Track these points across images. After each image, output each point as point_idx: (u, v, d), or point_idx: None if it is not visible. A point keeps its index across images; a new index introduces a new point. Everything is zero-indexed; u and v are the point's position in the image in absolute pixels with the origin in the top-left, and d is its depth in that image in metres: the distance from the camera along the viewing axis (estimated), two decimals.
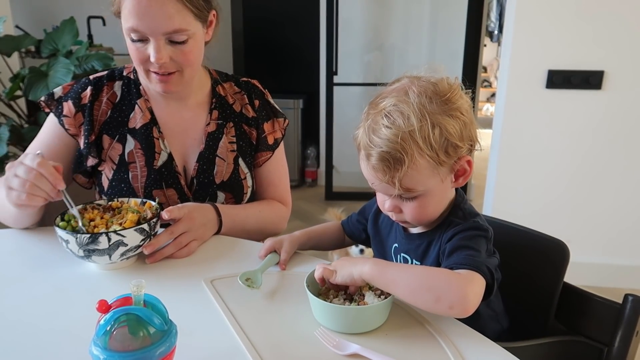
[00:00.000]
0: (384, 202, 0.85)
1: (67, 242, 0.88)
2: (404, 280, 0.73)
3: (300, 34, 3.98)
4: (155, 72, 1.03)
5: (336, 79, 3.49)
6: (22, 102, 2.44)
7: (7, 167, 0.90)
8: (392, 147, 0.75)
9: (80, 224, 0.91)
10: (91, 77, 1.15)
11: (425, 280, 0.72)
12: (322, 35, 3.58)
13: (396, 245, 0.93)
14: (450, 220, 0.84)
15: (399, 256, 0.92)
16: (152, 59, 1.00)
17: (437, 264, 0.84)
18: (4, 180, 0.91)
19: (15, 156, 2.33)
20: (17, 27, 3.05)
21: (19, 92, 2.23)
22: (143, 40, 1.00)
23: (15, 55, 2.47)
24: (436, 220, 0.87)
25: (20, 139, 2.28)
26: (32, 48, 3.01)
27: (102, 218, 0.94)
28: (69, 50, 2.41)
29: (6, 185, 0.90)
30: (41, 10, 3.97)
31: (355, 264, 0.75)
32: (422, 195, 0.80)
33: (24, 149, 2.35)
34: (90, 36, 3.76)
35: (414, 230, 0.91)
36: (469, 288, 0.70)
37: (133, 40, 1.00)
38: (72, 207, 0.92)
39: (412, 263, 0.89)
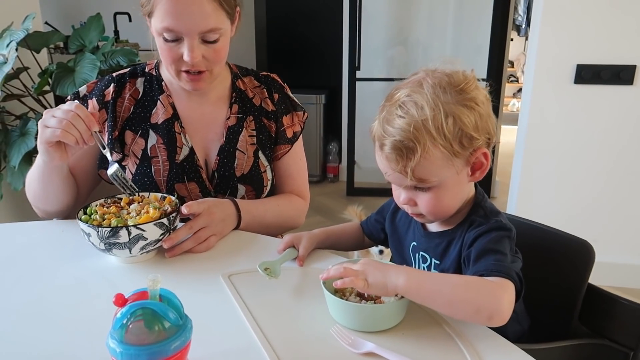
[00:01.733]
0: (400, 195, 0.84)
1: (89, 235, 0.90)
2: (442, 293, 0.71)
3: (323, 29, 3.97)
4: (186, 71, 1.05)
5: (359, 74, 3.47)
6: (50, 97, 2.49)
7: (45, 111, 0.95)
8: (405, 136, 0.75)
9: (108, 156, 0.98)
10: (114, 74, 1.17)
11: (463, 293, 0.70)
12: (345, 30, 3.56)
13: (414, 243, 0.92)
14: (473, 219, 0.83)
15: (417, 255, 0.91)
16: (186, 58, 1.01)
17: (458, 263, 0.82)
18: (40, 122, 0.94)
19: None
20: (46, 23, 3.13)
21: (47, 88, 2.28)
22: (176, 39, 1.01)
23: (44, 51, 2.52)
24: (456, 218, 0.86)
25: None
26: (61, 44, 3.08)
27: (119, 213, 0.95)
28: (95, 46, 2.44)
29: (42, 125, 0.93)
30: (69, 6, 4.05)
31: (387, 274, 0.71)
32: (436, 186, 0.79)
33: None
34: (116, 32, 3.82)
35: (434, 229, 0.89)
36: (504, 297, 0.70)
37: (166, 40, 1.02)
38: (104, 148, 0.98)
39: (431, 262, 0.88)
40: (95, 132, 0.95)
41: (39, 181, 1.07)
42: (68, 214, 1.14)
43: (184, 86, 1.10)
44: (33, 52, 2.34)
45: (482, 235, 0.79)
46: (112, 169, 0.98)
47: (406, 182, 0.79)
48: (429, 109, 0.74)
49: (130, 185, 1.00)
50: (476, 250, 0.77)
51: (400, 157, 0.76)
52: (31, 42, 2.29)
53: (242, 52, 4.06)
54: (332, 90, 3.97)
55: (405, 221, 0.96)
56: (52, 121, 0.93)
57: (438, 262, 0.87)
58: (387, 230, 1.00)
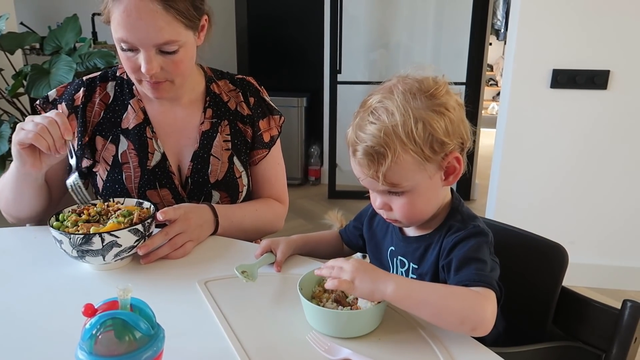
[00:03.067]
0: (375, 201, 0.85)
1: (60, 242, 0.88)
2: (429, 304, 0.72)
3: (305, 31, 3.97)
4: (147, 80, 1.03)
5: (340, 78, 3.48)
6: (25, 100, 2.45)
7: (28, 117, 0.95)
8: (376, 141, 0.76)
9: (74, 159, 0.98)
10: (84, 78, 1.15)
11: (449, 304, 0.72)
12: (326, 33, 3.57)
13: (392, 248, 0.92)
14: (450, 224, 0.83)
15: (395, 259, 0.92)
16: (143, 70, 0.99)
17: (436, 267, 0.83)
18: (18, 125, 0.94)
19: None
20: (21, 24, 3.06)
21: (21, 90, 2.24)
22: (133, 49, 0.99)
23: (19, 52, 2.48)
24: (433, 223, 0.86)
25: None
26: (36, 45, 3.02)
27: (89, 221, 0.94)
28: (72, 48, 2.41)
29: (19, 127, 0.93)
30: (46, 7, 3.98)
31: (376, 281, 0.72)
32: (409, 191, 0.80)
33: None
34: (94, 33, 3.76)
35: (411, 233, 0.90)
36: (488, 308, 0.71)
37: (123, 50, 1.00)
38: (72, 157, 0.97)
39: (409, 266, 0.88)
40: (69, 140, 0.94)
41: (11, 188, 1.04)
42: (40, 219, 1.11)
43: (147, 93, 1.08)
44: (7, 54, 2.30)
45: (462, 242, 0.79)
46: (71, 178, 0.96)
47: (379, 187, 0.80)
48: (399, 114, 0.75)
49: (86, 198, 0.97)
50: (457, 259, 0.78)
51: (372, 163, 0.77)
52: (5, 43, 2.25)
53: (223, 54, 4.04)
54: (313, 93, 3.97)
55: (382, 226, 0.96)
56: (29, 125, 0.92)
57: (416, 267, 0.87)
58: (365, 236, 1.00)
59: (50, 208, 1.10)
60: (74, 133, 1.08)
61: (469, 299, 0.72)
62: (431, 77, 0.80)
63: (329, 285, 0.73)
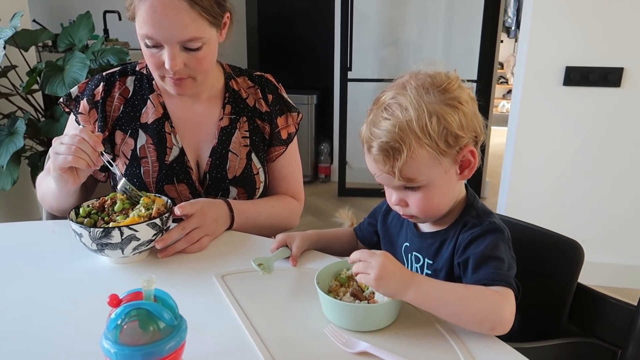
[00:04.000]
0: (391, 197, 0.85)
1: (80, 235, 0.89)
2: (448, 305, 0.73)
3: (315, 29, 3.97)
4: (169, 77, 1.04)
5: (350, 75, 3.48)
6: (38, 96, 2.47)
7: (54, 140, 0.96)
8: (391, 137, 0.76)
9: (117, 172, 1.02)
10: (104, 73, 1.16)
11: (468, 305, 0.72)
12: (336, 30, 3.57)
13: (407, 244, 0.93)
14: (466, 220, 0.84)
15: (410, 255, 0.92)
16: (167, 66, 1.00)
17: (451, 263, 0.84)
18: (51, 150, 0.96)
19: (32, 149, 2.37)
20: (34, 21, 3.09)
21: (35, 86, 2.26)
22: (157, 46, 1.00)
23: (33, 49, 2.50)
24: (449, 218, 0.86)
25: (37, 132, 2.31)
26: (49, 42, 3.05)
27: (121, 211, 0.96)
28: (84, 45, 2.43)
29: (53, 152, 0.95)
30: (58, 4, 4.01)
31: (399, 282, 0.72)
32: (425, 186, 0.80)
33: (40, 142, 2.39)
34: (106, 30, 3.79)
35: (426, 229, 0.90)
36: (507, 308, 0.72)
37: (147, 46, 1.01)
38: (111, 166, 1.00)
39: (424, 262, 0.89)
40: (101, 152, 0.96)
41: (53, 198, 1.08)
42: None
43: (169, 90, 1.09)
44: (21, 51, 2.32)
45: (478, 239, 0.80)
46: (120, 184, 0.98)
47: (394, 183, 0.80)
48: (413, 109, 0.76)
49: (138, 195, 0.99)
50: (474, 257, 0.78)
51: (387, 158, 0.77)
52: (19, 40, 2.27)
53: (234, 52, 4.04)
54: (323, 91, 3.97)
55: (397, 222, 0.96)
56: (61, 148, 0.93)
57: (431, 262, 0.88)
58: (379, 232, 1.01)
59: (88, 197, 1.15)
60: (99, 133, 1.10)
61: (488, 299, 0.72)
62: (443, 72, 0.81)
63: (354, 269, 0.74)
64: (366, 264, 0.73)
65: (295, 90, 3.71)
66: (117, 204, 0.96)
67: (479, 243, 0.79)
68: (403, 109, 0.77)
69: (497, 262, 0.77)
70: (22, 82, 2.31)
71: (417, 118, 0.75)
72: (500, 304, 0.72)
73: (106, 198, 0.99)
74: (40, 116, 2.43)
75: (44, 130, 2.29)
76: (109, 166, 1.00)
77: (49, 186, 1.07)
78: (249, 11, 4.00)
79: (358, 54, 3.50)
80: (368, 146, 0.81)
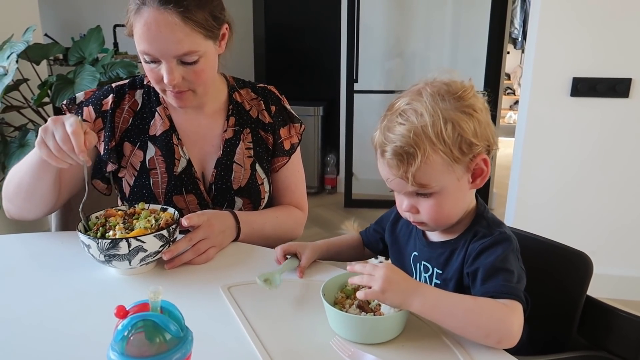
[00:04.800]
0: (402, 203, 0.85)
1: (88, 247, 0.90)
2: (455, 317, 0.73)
3: (321, 41, 4.00)
4: (170, 90, 1.05)
5: (357, 86, 3.49)
6: (49, 109, 2.50)
7: (51, 120, 0.92)
8: (405, 142, 0.76)
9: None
10: (113, 85, 1.18)
11: (475, 318, 0.72)
12: (343, 42, 3.59)
13: (416, 253, 0.93)
14: (476, 230, 0.84)
15: (418, 265, 0.92)
16: (165, 81, 1.01)
17: (460, 272, 0.83)
18: (42, 132, 0.91)
19: None
20: (46, 35, 3.14)
21: (46, 99, 2.29)
22: (155, 61, 1.01)
23: (44, 63, 2.54)
24: (458, 228, 0.86)
25: None
26: (60, 56, 3.09)
27: (122, 223, 0.96)
28: (95, 58, 2.46)
29: (41, 140, 0.91)
30: (69, 19, 4.08)
31: (405, 293, 0.72)
32: (437, 192, 0.80)
33: None
34: (116, 44, 3.84)
35: (435, 239, 0.90)
36: (515, 321, 0.72)
37: (146, 62, 1.02)
38: (88, 185, 0.97)
39: (433, 271, 0.89)
40: (83, 161, 0.92)
41: (30, 175, 1.02)
42: (42, 218, 1.13)
43: (171, 102, 1.10)
44: (33, 64, 2.35)
45: (488, 250, 0.80)
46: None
47: (407, 188, 0.80)
48: (428, 115, 0.76)
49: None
50: (484, 268, 0.78)
51: (401, 163, 0.77)
52: (31, 54, 2.30)
53: (241, 64, 4.08)
54: (330, 102, 3.99)
55: (405, 231, 0.96)
56: (50, 142, 0.91)
57: (440, 272, 0.87)
58: (387, 241, 1.00)
59: (55, 208, 1.12)
60: (99, 140, 1.10)
61: (496, 312, 0.72)
62: (459, 81, 0.81)
63: (360, 296, 0.74)
64: (370, 278, 0.73)
65: (301, 101, 3.73)
66: (112, 220, 0.96)
67: (490, 254, 0.79)
68: (418, 115, 0.77)
69: (506, 274, 0.77)
70: (34, 95, 2.34)
71: (433, 124, 0.76)
72: (508, 317, 0.72)
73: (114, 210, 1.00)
74: None
75: None
76: (85, 176, 0.97)
77: (23, 166, 1.02)
78: (257, 23, 4.04)
79: (364, 66, 3.52)
80: (382, 151, 0.81)
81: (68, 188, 1.13)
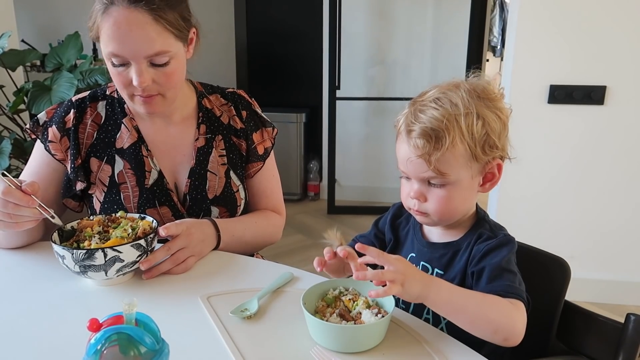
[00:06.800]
0: (411, 189, 0.84)
1: (63, 257, 0.88)
2: (467, 311, 0.74)
3: (304, 48, 4.00)
4: (139, 95, 1.02)
5: (339, 93, 3.50)
6: (25, 116, 2.45)
7: None
8: (437, 124, 0.78)
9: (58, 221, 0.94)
10: (73, 98, 1.13)
11: (486, 312, 0.73)
12: (325, 49, 3.60)
13: (413, 254, 0.92)
14: (481, 232, 0.85)
15: (416, 265, 0.91)
16: (135, 83, 0.98)
17: (464, 273, 0.84)
18: None
19: (18, 169, 2.34)
20: (23, 41, 3.09)
21: (22, 106, 2.24)
22: (124, 64, 0.99)
23: (20, 69, 2.49)
24: (459, 230, 0.88)
25: (23, 152, 2.28)
26: (37, 62, 3.05)
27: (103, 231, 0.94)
28: (73, 65, 2.42)
29: None
30: (47, 25, 4.02)
31: (422, 284, 0.71)
32: (451, 185, 0.81)
33: (25, 162, 2.35)
34: (94, 50, 3.79)
35: (435, 239, 0.90)
36: (519, 320, 0.74)
37: (114, 65, 0.99)
38: (53, 218, 0.93)
39: (433, 272, 0.88)
40: (36, 207, 0.89)
41: (4, 239, 1.04)
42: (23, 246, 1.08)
43: (138, 109, 1.07)
44: (8, 71, 2.31)
45: (494, 251, 0.81)
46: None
47: (424, 172, 0.80)
48: (463, 107, 0.79)
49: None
50: (490, 268, 0.80)
51: (428, 143, 0.78)
52: (6, 60, 2.26)
53: (223, 71, 4.06)
54: (312, 109, 3.99)
55: (402, 232, 0.96)
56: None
57: (442, 273, 0.87)
58: (386, 238, 0.99)
59: (38, 235, 1.08)
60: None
61: (504, 308, 0.74)
62: (491, 86, 0.84)
63: (372, 294, 0.70)
64: (383, 273, 0.69)
65: (284, 108, 3.73)
66: (87, 231, 0.95)
67: (495, 254, 0.81)
68: (453, 105, 0.79)
69: (511, 275, 0.79)
70: (9, 102, 2.29)
71: (465, 115, 0.78)
72: (514, 315, 0.74)
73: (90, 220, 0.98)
74: (26, 136, 2.41)
75: (29, 150, 2.26)
76: (50, 219, 0.93)
77: None
78: (238, 30, 4.03)
79: (346, 73, 3.53)
80: (408, 130, 0.81)
81: (41, 226, 1.07)
